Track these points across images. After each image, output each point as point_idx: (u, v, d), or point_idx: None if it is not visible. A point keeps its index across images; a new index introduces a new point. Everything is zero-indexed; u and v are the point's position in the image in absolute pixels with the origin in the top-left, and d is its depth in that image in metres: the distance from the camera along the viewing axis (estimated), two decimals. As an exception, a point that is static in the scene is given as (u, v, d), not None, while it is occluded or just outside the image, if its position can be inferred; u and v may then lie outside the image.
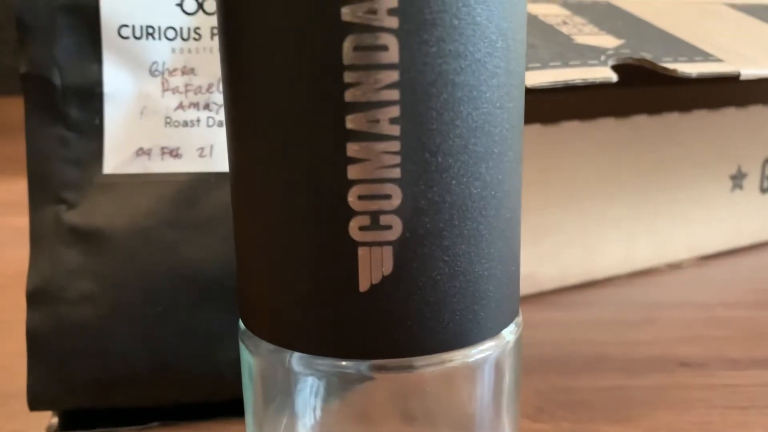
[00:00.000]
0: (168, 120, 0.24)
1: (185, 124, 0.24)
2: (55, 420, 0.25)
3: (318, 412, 0.19)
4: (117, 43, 0.24)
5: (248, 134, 0.17)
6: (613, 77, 0.28)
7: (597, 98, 0.34)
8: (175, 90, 0.24)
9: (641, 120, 0.36)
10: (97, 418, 0.24)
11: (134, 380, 0.23)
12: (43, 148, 0.23)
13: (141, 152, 0.24)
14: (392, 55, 0.15)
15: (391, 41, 0.15)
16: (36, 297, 0.23)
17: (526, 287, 0.35)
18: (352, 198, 0.16)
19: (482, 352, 0.18)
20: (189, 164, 0.24)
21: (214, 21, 0.24)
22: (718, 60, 0.31)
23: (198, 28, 0.24)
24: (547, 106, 0.33)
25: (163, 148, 0.24)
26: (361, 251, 0.16)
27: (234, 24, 0.16)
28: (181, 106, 0.24)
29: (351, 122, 0.15)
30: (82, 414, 0.25)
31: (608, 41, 0.31)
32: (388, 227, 0.16)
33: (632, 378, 0.28)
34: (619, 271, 0.38)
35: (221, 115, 0.24)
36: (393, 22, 0.15)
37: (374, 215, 0.16)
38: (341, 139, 0.15)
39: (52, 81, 0.23)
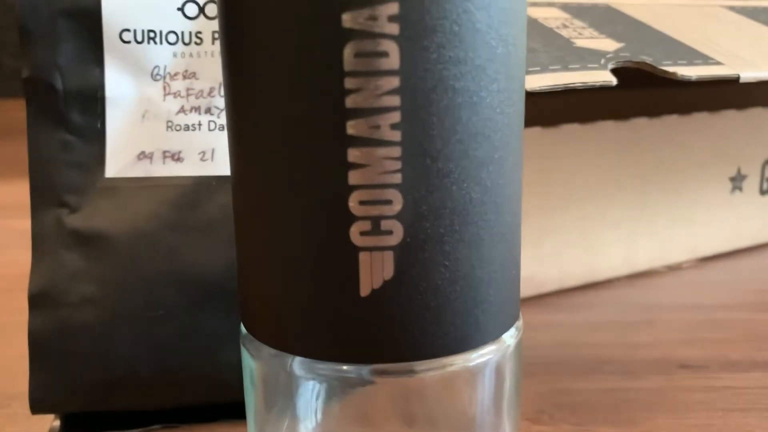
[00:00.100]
0: (169, 124, 0.24)
1: (187, 128, 0.24)
2: (56, 423, 0.25)
3: (319, 416, 0.19)
4: (118, 48, 0.24)
5: (249, 139, 0.17)
6: (613, 81, 0.28)
7: (597, 101, 0.34)
8: (176, 94, 0.24)
9: (641, 122, 0.36)
10: (98, 421, 0.25)
11: (136, 383, 0.24)
12: (45, 152, 0.24)
13: (143, 156, 0.24)
14: (393, 61, 0.15)
15: (392, 47, 0.15)
16: (38, 300, 0.23)
17: (526, 289, 0.35)
18: (353, 203, 0.16)
19: (483, 356, 0.18)
20: (190, 168, 0.24)
21: (215, 25, 0.24)
22: (718, 63, 0.32)
23: (199, 32, 0.24)
24: (548, 108, 0.33)
25: (164, 152, 0.24)
26: (362, 256, 0.16)
27: (235, 30, 0.16)
28: (182, 110, 0.24)
29: (352, 128, 0.15)
30: (83, 417, 0.25)
31: (608, 44, 0.31)
32: (389, 232, 0.16)
33: (633, 380, 0.28)
34: (619, 273, 0.38)
35: (223, 119, 0.24)
36: (393, 29, 0.15)
37: (375, 220, 0.16)
38: (342, 144, 0.15)
39: (54, 85, 0.23)
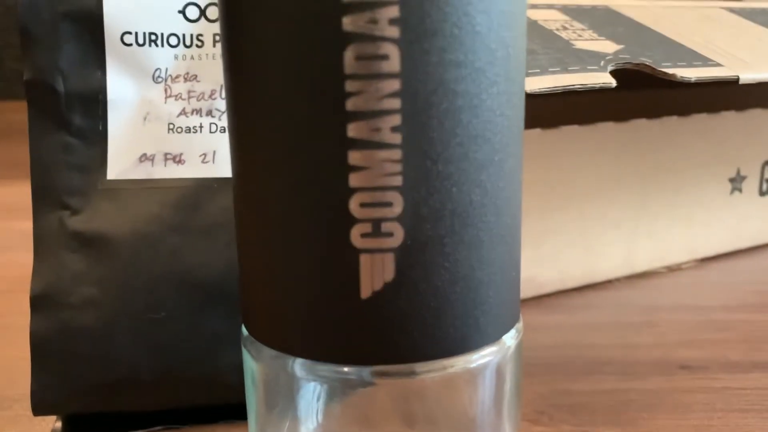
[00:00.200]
0: (171, 126, 0.24)
1: (188, 130, 0.24)
2: (58, 424, 0.25)
3: (320, 417, 0.19)
4: (120, 50, 0.24)
5: (250, 142, 0.17)
6: (613, 82, 0.28)
7: (596, 102, 0.34)
8: (177, 96, 0.24)
9: (641, 123, 0.36)
10: (100, 423, 0.25)
11: (137, 385, 0.24)
12: (47, 155, 0.24)
13: (144, 158, 0.24)
14: (393, 64, 0.15)
15: (393, 51, 0.15)
16: (40, 302, 0.23)
17: (526, 290, 0.35)
18: (353, 206, 0.16)
19: (483, 357, 0.18)
20: (192, 170, 0.24)
21: (216, 28, 0.24)
22: (717, 64, 0.32)
23: (200, 35, 0.24)
24: (547, 110, 0.33)
25: (166, 154, 0.24)
26: (363, 258, 0.16)
27: (236, 33, 0.16)
28: (183, 112, 0.24)
29: (352, 131, 0.15)
30: (85, 418, 0.25)
31: (607, 46, 0.31)
32: (390, 234, 0.16)
33: (632, 381, 0.28)
34: (618, 274, 0.38)
35: (224, 122, 0.25)
36: (394, 32, 0.15)
37: (376, 223, 0.16)
38: (343, 147, 0.16)
39: (55, 88, 0.23)
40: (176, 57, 0.24)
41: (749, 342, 0.31)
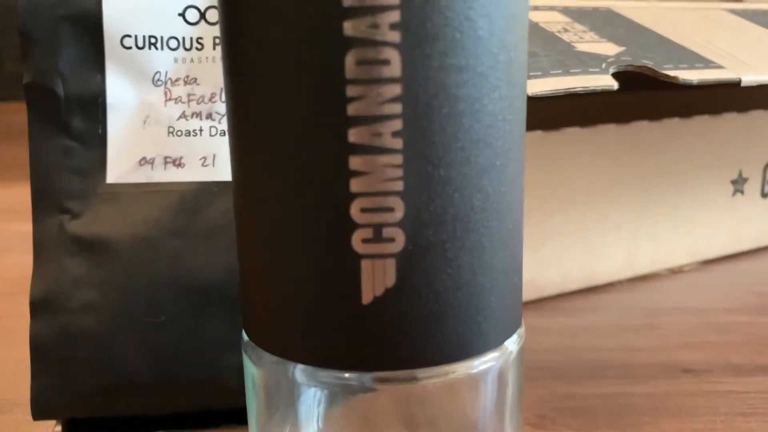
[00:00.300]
0: (171, 129, 0.24)
1: (188, 133, 0.24)
2: (58, 429, 0.25)
3: (321, 422, 0.19)
4: (120, 53, 0.24)
5: (251, 147, 0.17)
6: (614, 85, 0.28)
7: (598, 104, 0.34)
8: (177, 100, 0.24)
9: (642, 125, 0.36)
10: (100, 427, 0.25)
11: (138, 389, 0.24)
12: (47, 158, 0.24)
13: (144, 162, 0.24)
14: (394, 69, 0.15)
15: (394, 55, 0.15)
16: (40, 306, 0.23)
17: (527, 293, 0.35)
18: (354, 211, 0.16)
19: (485, 363, 0.18)
20: (192, 173, 0.24)
21: (216, 31, 0.24)
22: (719, 66, 0.31)
23: (200, 37, 0.24)
24: (549, 112, 0.33)
25: (166, 158, 0.24)
26: (364, 264, 0.16)
27: (236, 37, 0.16)
28: (183, 115, 0.24)
29: (353, 136, 0.15)
30: (85, 423, 0.25)
31: (609, 48, 0.31)
32: (391, 240, 0.16)
33: (635, 385, 0.28)
34: (620, 276, 0.38)
35: (224, 125, 0.24)
36: (395, 37, 0.15)
37: (377, 228, 0.16)
38: (344, 152, 0.15)
39: (55, 91, 0.23)
40: (176, 60, 0.24)
41: (752, 344, 0.31)
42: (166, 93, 0.24)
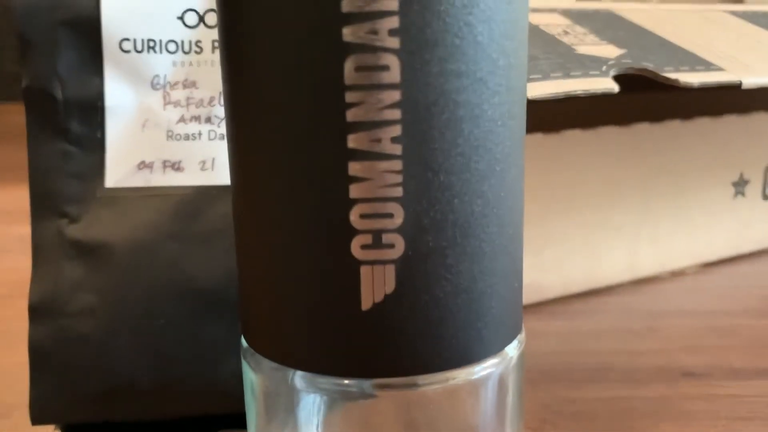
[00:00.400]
0: (170, 133, 0.24)
1: (187, 137, 0.24)
2: (57, 433, 0.25)
3: (320, 428, 0.19)
4: (118, 57, 0.24)
5: (250, 153, 0.17)
6: (615, 88, 0.28)
7: (598, 106, 0.34)
8: (176, 103, 0.24)
9: (643, 128, 0.36)
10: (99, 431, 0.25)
11: (136, 393, 0.23)
12: (45, 162, 0.23)
13: (143, 166, 0.24)
14: (394, 75, 0.15)
15: (393, 61, 0.15)
16: (38, 311, 0.23)
17: (528, 296, 0.35)
18: (354, 217, 0.16)
19: (485, 369, 0.18)
20: (191, 177, 0.24)
21: (215, 34, 0.24)
22: (720, 69, 0.31)
23: (199, 41, 0.24)
24: (549, 114, 0.33)
25: (164, 162, 0.24)
26: (363, 270, 0.16)
27: (235, 43, 0.16)
28: (182, 119, 0.24)
29: (353, 141, 0.15)
30: (84, 427, 0.25)
31: (609, 51, 0.31)
32: (391, 246, 0.16)
33: (636, 389, 0.28)
34: (621, 279, 0.38)
35: (223, 129, 0.24)
36: (394, 42, 0.15)
37: (376, 234, 0.16)
38: (343, 158, 0.15)
39: (53, 95, 0.23)
40: (175, 63, 0.24)
41: (753, 348, 0.31)
42: (164, 97, 0.24)
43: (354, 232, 0.16)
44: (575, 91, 0.27)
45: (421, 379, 0.17)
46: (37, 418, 0.24)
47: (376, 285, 0.16)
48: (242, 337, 0.19)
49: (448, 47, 0.15)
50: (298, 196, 0.16)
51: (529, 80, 0.28)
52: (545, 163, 0.34)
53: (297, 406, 0.18)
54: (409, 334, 0.17)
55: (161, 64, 0.24)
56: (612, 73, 0.29)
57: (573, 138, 0.34)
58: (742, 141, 0.40)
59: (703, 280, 0.38)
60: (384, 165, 0.15)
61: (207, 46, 0.24)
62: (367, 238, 0.16)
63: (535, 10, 0.35)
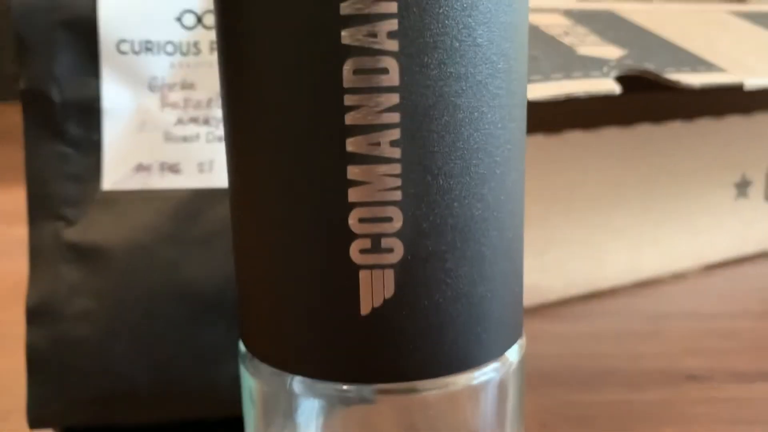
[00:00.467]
0: (167, 135, 0.24)
1: (185, 139, 0.24)
2: (55, 437, 0.25)
3: (320, 433, 0.19)
4: (116, 59, 0.23)
5: (248, 157, 0.16)
6: (616, 89, 0.28)
7: (600, 107, 0.34)
8: (174, 105, 0.24)
9: (645, 129, 0.36)
10: (97, 436, 0.24)
11: (134, 397, 0.23)
12: (43, 165, 0.23)
13: (140, 168, 0.24)
14: (393, 78, 0.15)
15: (392, 64, 0.15)
16: (36, 315, 0.23)
17: (529, 299, 0.34)
18: (352, 221, 0.16)
19: (485, 374, 0.18)
20: (189, 180, 0.24)
21: (213, 35, 0.24)
22: (722, 70, 0.31)
23: (197, 42, 0.24)
24: (550, 115, 0.33)
25: (162, 164, 0.24)
26: (362, 274, 0.16)
27: (233, 46, 0.16)
28: (180, 121, 0.24)
29: (351, 145, 0.15)
30: (82, 431, 0.25)
31: (611, 52, 0.31)
32: (390, 250, 0.16)
33: (637, 392, 0.27)
34: (623, 281, 0.37)
35: (221, 130, 0.24)
36: (393, 45, 0.14)
37: (375, 238, 0.16)
38: (341, 161, 0.15)
39: (51, 97, 0.23)
40: (172, 65, 0.24)
41: (755, 350, 0.30)
42: (162, 98, 0.24)
43: (353, 236, 0.16)
44: (576, 92, 0.27)
45: (421, 384, 0.17)
46: (34, 422, 0.24)
47: (375, 290, 0.16)
48: (240, 342, 0.19)
49: (448, 50, 0.15)
50: (297, 200, 0.16)
51: (530, 81, 0.28)
52: (546, 165, 0.34)
53: (296, 411, 0.18)
54: (408, 339, 0.16)
55: (159, 66, 0.24)
56: (613, 74, 0.29)
57: (574, 139, 0.34)
58: (745, 142, 0.39)
59: (705, 283, 0.38)
60: (383, 169, 0.15)
61: (205, 47, 0.24)
62: (366, 243, 0.16)
63: (536, 11, 0.35)
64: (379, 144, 0.15)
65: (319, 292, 0.16)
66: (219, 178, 0.24)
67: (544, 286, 0.35)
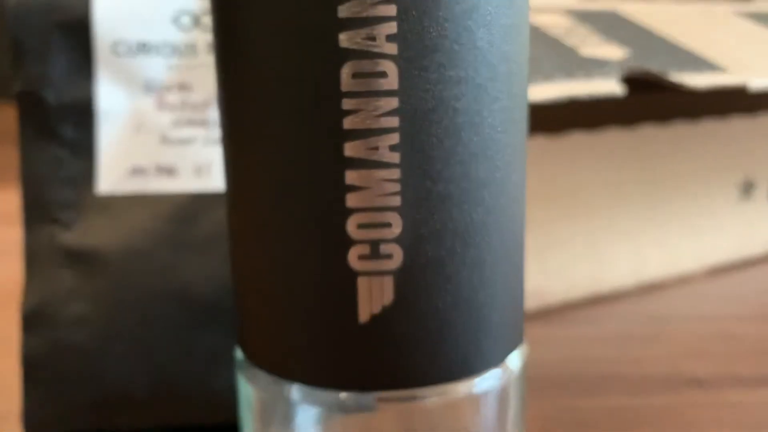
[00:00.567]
0: (164, 138, 0.24)
1: (181, 141, 0.24)
2: (52, 443, 0.24)
3: (318, 441, 0.18)
4: (111, 60, 0.23)
5: (244, 161, 0.16)
6: (619, 91, 0.28)
7: (602, 108, 0.34)
8: (170, 107, 0.24)
9: (648, 130, 0.36)
10: (94, 442, 0.24)
11: (131, 403, 0.23)
12: (38, 168, 0.23)
13: (136, 171, 0.23)
14: (391, 81, 0.14)
15: (391, 67, 0.14)
16: (31, 320, 0.23)
17: (531, 303, 0.34)
18: (351, 227, 0.15)
19: (486, 381, 0.17)
20: (185, 182, 0.24)
21: (210, 37, 0.24)
22: (726, 71, 0.31)
23: (194, 44, 0.24)
24: (552, 116, 0.32)
25: (158, 167, 0.24)
26: (361, 281, 0.16)
27: (229, 50, 0.16)
28: (177, 123, 0.24)
29: (350, 149, 0.15)
30: (79, 437, 0.24)
31: (613, 52, 0.31)
32: (389, 256, 0.16)
33: (640, 397, 0.27)
34: (626, 284, 0.37)
35: (218, 133, 0.24)
36: (392, 48, 0.14)
37: (374, 244, 0.16)
38: (340, 166, 0.15)
39: (46, 99, 0.23)
40: (169, 67, 0.23)
41: (760, 355, 0.30)
42: (158, 100, 0.24)
43: (351, 242, 0.15)
44: (578, 94, 0.27)
45: (421, 391, 0.17)
46: (30, 428, 0.23)
47: (373, 296, 0.16)
48: (238, 348, 0.19)
49: (447, 53, 0.15)
50: (294, 205, 0.16)
51: (531, 82, 0.27)
52: (548, 167, 0.33)
53: (294, 419, 0.18)
54: (407, 347, 0.16)
55: (155, 68, 0.23)
56: (615, 75, 0.29)
57: (576, 140, 0.34)
58: (749, 143, 0.39)
59: (709, 285, 0.38)
60: (382, 174, 0.15)
61: (202, 49, 0.24)
62: (365, 249, 0.16)
63: (538, 11, 0.34)
64: (377, 148, 0.15)
65: (318, 298, 0.16)
66: (216, 181, 0.24)
67: (546, 289, 0.35)
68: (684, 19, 0.37)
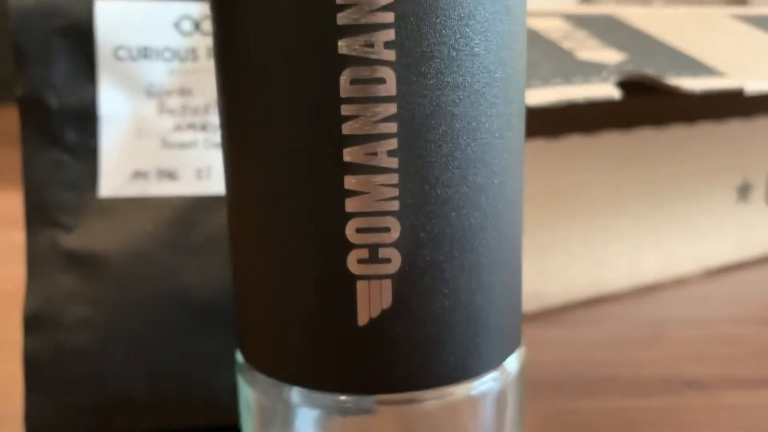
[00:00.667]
0: (165, 142, 0.24)
1: (182, 145, 0.24)
2: (53, 445, 0.24)
3: (318, 443, 0.19)
4: (113, 65, 0.23)
5: (244, 166, 0.16)
6: (616, 95, 0.28)
7: (600, 111, 0.34)
8: (172, 111, 0.24)
9: (645, 133, 0.36)
10: (95, 444, 0.24)
11: (132, 406, 0.23)
12: (40, 172, 0.23)
13: (138, 174, 0.24)
14: (390, 87, 0.15)
15: (389, 74, 0.15)
16: (33, 323, 0.23)
17: (530, 305, 0.34)
18: (350, 231, 0.16)
19: (484, 383, 0.18)
20: (186, 186, 0.24)
21: (210, 41, 0.24)
22: (722, 74, 0.31)
23: (195, 49, 0.24)
24: (550, 119, 0.33)
25: (160, 171, 0.24)
26: (360, 285, 0.16)
27: (229, 56, 0.16)
28: (178, 127, 0.24)
29: (348, 155, 0.15)
30: (80, 439, 0.24)
31: (611, 56, 0.31)
32: (387, 260, 0.16)
33: (638, 399, 0.27)
34: (624, 287, 0.37)
35: (218, 137, 0.24)
36: (390, 55, 0.14)
37: (373, 248, 0.16)
38: (339, 172, 0.15)
39: (48, 104, 0.23)
40: (170, 71, 0.24)
41: (757, 356, 0.30)
42: (160, 105, 0.24)
43: (350, 246, 0.16)
44: (575, 98, 0.27)
45: (419, 394, 0.17)
46: (32, 430, 0.23)
47: (372, 300, 0.16)
48: (238, 352, 0.19)
49: (445, 59, 0.15)
50: (293, 209, 0.16)
51: (529, 86, 0.28)
52: (546, 169, 0.33)
53: (294, 422, 0.18)
54: (406, 350, 0.16)
55: (156, 72, 0.24)
56: (613, 79, 0.29)
57: (574, 143, 0.34)
58: (746, 146, 0.39)
59: (706, 287, 0.38)
60: (380, 179, 0.15)
61: (202, 53, 0.24)
62: (364, 253, 0.16)
63: (535, 15, 0.35)
64: (376, 154, 0.15)
65: (316, 302, 0.16)
66: (217, 184, 0.24)
67: (544, 292, 0.35)
68: (681, 23, 0.37)
